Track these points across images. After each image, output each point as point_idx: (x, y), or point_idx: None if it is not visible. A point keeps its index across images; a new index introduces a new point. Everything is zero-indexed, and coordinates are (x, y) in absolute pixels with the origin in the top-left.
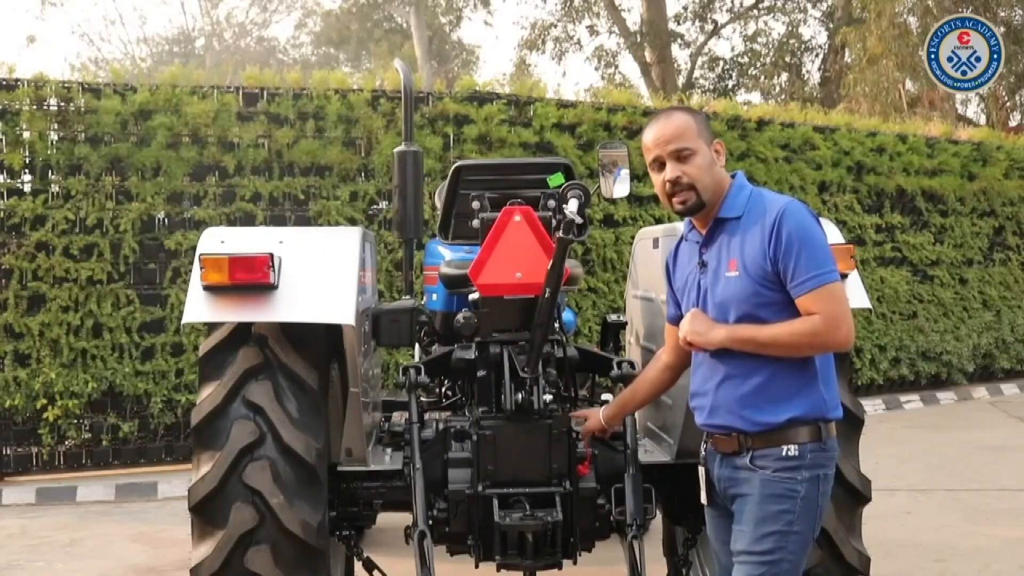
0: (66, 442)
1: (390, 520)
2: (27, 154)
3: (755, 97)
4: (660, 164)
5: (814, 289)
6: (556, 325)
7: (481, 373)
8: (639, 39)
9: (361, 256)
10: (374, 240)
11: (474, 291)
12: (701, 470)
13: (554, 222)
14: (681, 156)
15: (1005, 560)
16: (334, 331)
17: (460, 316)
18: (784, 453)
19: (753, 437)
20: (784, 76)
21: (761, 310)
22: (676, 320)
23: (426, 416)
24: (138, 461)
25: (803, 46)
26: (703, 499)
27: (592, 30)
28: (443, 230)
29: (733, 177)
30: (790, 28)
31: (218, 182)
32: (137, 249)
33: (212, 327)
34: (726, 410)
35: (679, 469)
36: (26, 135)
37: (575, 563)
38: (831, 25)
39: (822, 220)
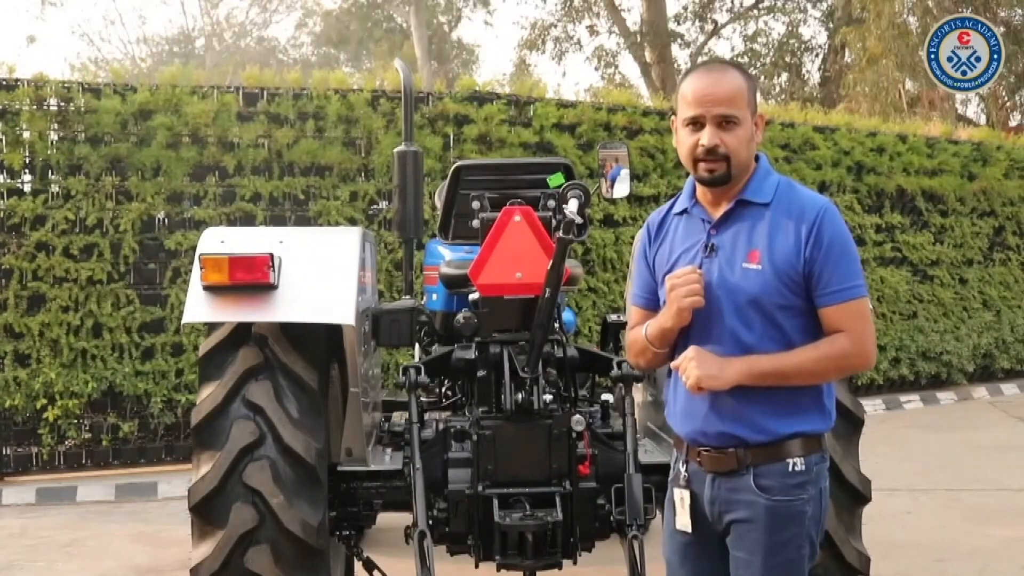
0: (66, 442)
1: (390, 520)
2: (27, 154)
3: None
4: (698, 124)
5: (845, 302)
6: (556, 325)
7: (481, 373)
8: (639, 39)
9: (361, 256)
10: (374, 240)
11: (474, 291)
12: (683, 493)
13: (554, 222)
14: (725, 123)
15: (1005, 560)
16: (334, 331)
17: (460, 316)
18: (791, 468)
19: (754, 451)
20: (784, 76)
21: (780, 313)
22: (650, 304)
23: (426, 416)
24: (138, 461)
25: (803, 46)
26: (684, 527)
27: (592, 30)
28: (443, 230)
29: (756, 159)
30: (790, 28)
31: (218, 182)
32: (137, 249)
33: (212, 327)
34: (730, 417)
35: None
36: (26, 135)
37: (575, 563)
38: (831, 25)
39: None
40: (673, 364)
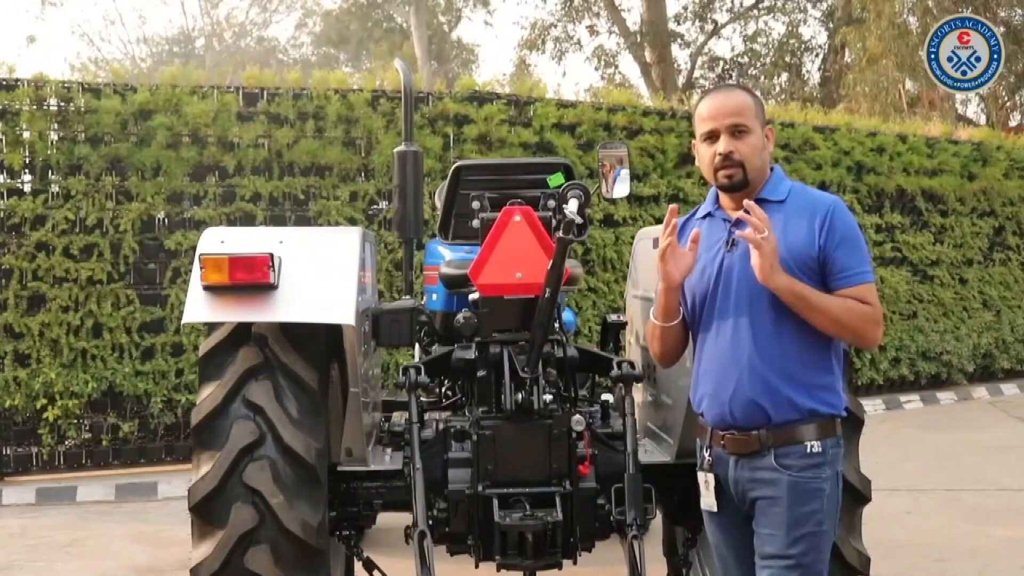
0: (66, 442)
1: (390, 520)
2: (27, 154)
3: None
4: (713, 137)
5: (860, 284)
6: (556, 325)
7: (481, 373)
8: (639, 39)
9: (361, 256)
10: (374, 240)
11: (474, 291)
12: (707, 476)
13: (554, 222)
14: (736, 132)
15: (1005, 560)
16: (334, 331)
17: (460, 316)
18: (808, 450)
19: (775, 434)
20: (784, 76)
21: None
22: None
23: (426, 416)
24: (138, 461)
25: (803, 46)
26: (710, 506)
27: (592, 30)
28: (443, 230)
29: (771, 170)
30: (790, 28)
31: (218, 182)
32: (137, 249)
33: (212, 327)
34: (757, 388)
35: (679, 469)
36: (26, 135)
37: (575, 563)
38: (831, 25)
39: None
40: (748, 203)
